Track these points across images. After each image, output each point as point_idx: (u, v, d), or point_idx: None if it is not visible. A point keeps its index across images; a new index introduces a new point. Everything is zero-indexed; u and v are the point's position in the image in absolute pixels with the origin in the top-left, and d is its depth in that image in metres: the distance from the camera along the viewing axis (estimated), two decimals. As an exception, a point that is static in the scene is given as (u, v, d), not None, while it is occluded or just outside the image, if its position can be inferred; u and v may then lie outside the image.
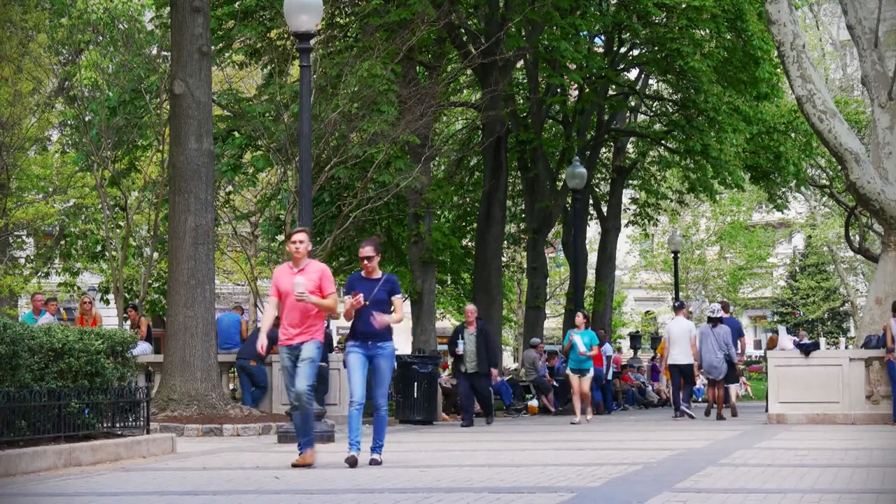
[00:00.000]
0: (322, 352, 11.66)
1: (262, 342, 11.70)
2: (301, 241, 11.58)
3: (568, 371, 23.65)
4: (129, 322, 24.27)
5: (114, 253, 27.92)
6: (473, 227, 36.03)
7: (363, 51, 25.05)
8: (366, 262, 11.81)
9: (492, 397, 24.31)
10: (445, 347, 45.61)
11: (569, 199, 34.48)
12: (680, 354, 24.17)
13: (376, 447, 11.77)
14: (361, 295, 11.56)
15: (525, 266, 40.14)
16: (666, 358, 24.70)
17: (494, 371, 22.68)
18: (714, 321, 24.20)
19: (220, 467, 11.15)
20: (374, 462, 11.61)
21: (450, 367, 28.23)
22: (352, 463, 11.35)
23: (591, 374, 23.37)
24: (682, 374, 24.56)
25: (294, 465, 11.43)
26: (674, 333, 24.46)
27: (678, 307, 25.81)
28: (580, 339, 23.12)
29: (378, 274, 11.90)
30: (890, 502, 8.54)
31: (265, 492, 9.54)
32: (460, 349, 22.22)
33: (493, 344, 23.38)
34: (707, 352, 23.94)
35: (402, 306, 11.99)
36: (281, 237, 28.32)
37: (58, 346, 12.29)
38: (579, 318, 23.91)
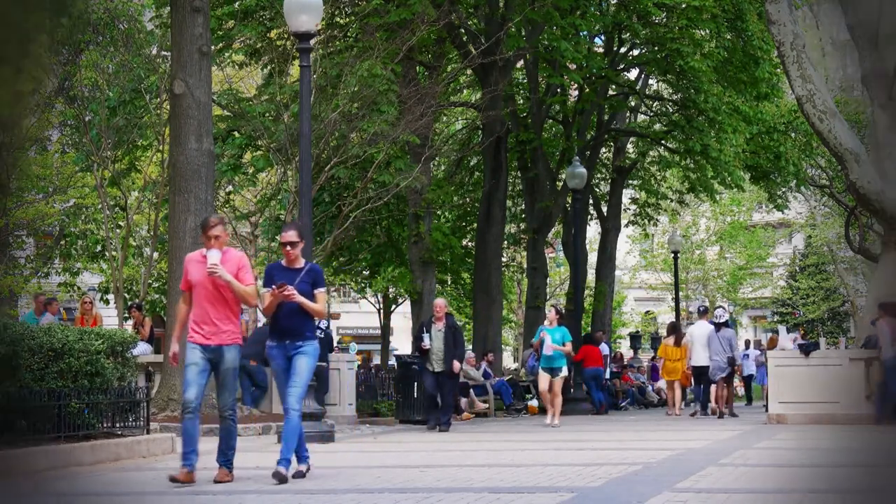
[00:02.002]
0: (240, 355, 10.49)
1: (173, 349, 10.51)
2: (217, 237, 10.31)
3: (540, 370, 22.00)
4: (132, 322, 24.25)
5: (114, 253, 27.92)
6: (473, 227, 36.03)
7: (363, 51, 25.06)
8: (288, 248, 10.57)
9: (452, 400, 22.33)
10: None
11: (569, 199, 34.49)
12: (702, 356, 24.84)
13: (301, 457, 10.41)
14: (290, 287, 10.32)
15: (525, 266, 40.15)
16: (688, 360, 25.38)
17: (457, 364, 20.45)
18: (718, 325, 24.91)
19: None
20: (298, 474, 10.26)
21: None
22: (280, 479, 9.93)
23: (563, 373, 21.60)
24: (702, 375, 25.25)
25: (173, 480, 10.03)
26: (696, 337, 25.18)
27: (702, 311, 26.65)
28: (549, 337, 21.25)
29: (301, 263, 10.63)
30: (891, 502, 8.54)
31: (265, 492, 9.54)
32: (426, 343, 20.47)
33: (463, 342, 21.67)
34: (713, 354, 24.63)
35: (325, 301, 10.72)
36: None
37: (58, 346, 12.29)
38: (552, 314, 22.09)
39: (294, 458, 10.33)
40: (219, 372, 10.27)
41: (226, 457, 10.33)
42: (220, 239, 10.32)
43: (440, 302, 21.23)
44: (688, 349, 25.50)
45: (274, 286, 10.35)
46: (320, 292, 10.54)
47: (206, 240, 10.36)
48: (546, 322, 22.17)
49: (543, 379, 21.58)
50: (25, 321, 18.26)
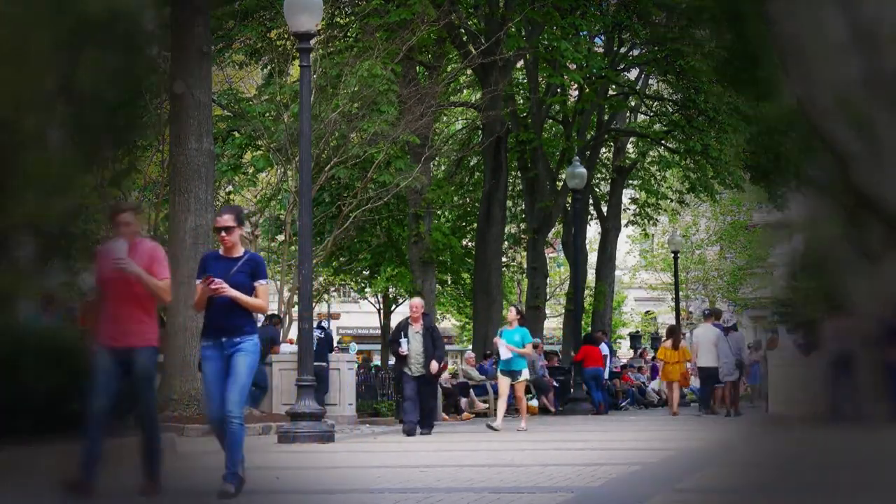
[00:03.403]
0: (156, 359, 9.38)
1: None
2: (127, 224, 9.17)
3: (498, 373, 20.66)
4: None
5: (114, 253, 27.90)
6: (473, 227, 36.04)
7: (363, 51, 25.06)
8: (223, 234, 9.35)
9: (437, 405, 21.74)
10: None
11: (569, 199, 34.50)
12: (706, 358, 25.40)
13: (230, 474, 9.13)
14: (217, 280, 9.16)
15: (525, 266, 40.16)
16: (694, 361, 26.09)
17: (435, 365, 19.00)
18: (727, 329, 25.86)
19: (221, 468, 11.13)
20: (223, 494, 8.98)
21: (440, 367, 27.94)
22: (226, 496, 8.97)
23: (523, 375, 20.13)
24: (708, 376, 25.82)
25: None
26: (701, 339, 25.87)
27: (707, 315, 27.46)
28: (503, 343, 19.86)
29: (239, 251, 9.42)
30: (890, 499, 8.54)
31: (265, 492, 9.53)
32: (404, 349, 19.06)
33: (441, 342, 20.06)
34: (723, 356, 25.24)
35: (267, 294, 9.57)
36: (281, 237, 28.33)
37: (58, 346, 12.29)
38: (511, 314, 20.52)
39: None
40: (130, 378, 9.06)
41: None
42: (130, 227, 9.19)
43: (417, 302, 19.91)
44: (694, 351, 26.08)
45: (200, 280, 9.30)
46: (261, 285, 9.32)
47: (113, 227, 9.28)
48: (506, 323, 20.82)
49: (503, 382, 20.21)
50: (28, 320, 18.25)
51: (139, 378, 9.07)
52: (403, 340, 19.15)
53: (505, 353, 19.87)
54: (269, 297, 9.62)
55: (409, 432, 18.79)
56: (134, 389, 9.09)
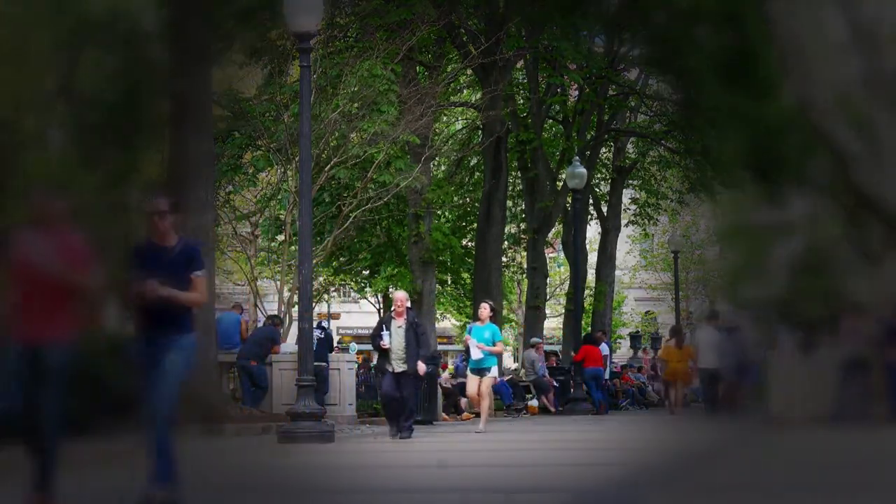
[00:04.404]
0: (69, 358, 8.27)
1: None
2: (50, 213, 8.19)
3: (468, 372, 19.98)
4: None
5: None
6: (473, 227, 36.05)
7: (363, 51, 25.08)
8: (156, 219, 8.31)
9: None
10: (444, 348, 45.44)
11: (569, 199, 34.51)
12: (707, 359, 25.61)
13: (163, 473, 8.09)
14: (149, 282, 8.15)
15: (525, 266, 40.18)
16: (696, 363, 26.23)
17: (422, 366, 18.16)
18: (731, 329, 25.73)
19: (220, 467, 11.14)
20: (152, 500, 8.05)
21: (448, 365, 27.91)
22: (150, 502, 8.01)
23: (492, 373, 19.34)
24: (710, 377, 25.93)
25: None
26: (701, 341, 26.19)
27: (707, 316, 27.72)
28: (474, 342, 19.17)
29: (173, 240, 8.35)
30: (890, 499, 8.54)
31: (265, 492, 9.54)
32: (386, 342, 17.98)
33: (426, 339, 19.17)
34: (727, 356, 25.29)
35: (205, 286, 8.57)
36: (281, 237, 28.33)
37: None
38: (485, 311, 19.58)
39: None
40: (37, 375, 8.18)
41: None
42: (53, 216, 8.22)
43: (400, 296, 18.84)
44: (695, 352, 26.26)
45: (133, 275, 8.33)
46: (199, 277, 8.32)
47: (34, 215, 8.29)
48: (478, 320, 19.85)
49: (472, 381, 19.52)
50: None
51: (44, 375, 8.14)
52: (385, 334, 18.12)
53: (476, 354, 19.20)
54: (206, 288, 8.67)
55: (394, 436, 17.92)
56: (38, 388, 8.15)
